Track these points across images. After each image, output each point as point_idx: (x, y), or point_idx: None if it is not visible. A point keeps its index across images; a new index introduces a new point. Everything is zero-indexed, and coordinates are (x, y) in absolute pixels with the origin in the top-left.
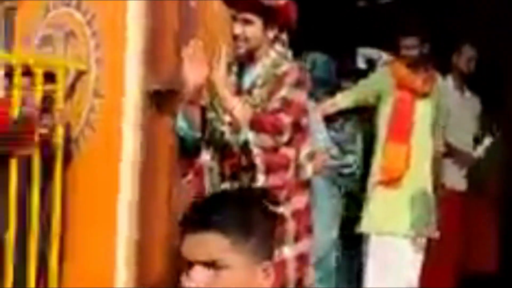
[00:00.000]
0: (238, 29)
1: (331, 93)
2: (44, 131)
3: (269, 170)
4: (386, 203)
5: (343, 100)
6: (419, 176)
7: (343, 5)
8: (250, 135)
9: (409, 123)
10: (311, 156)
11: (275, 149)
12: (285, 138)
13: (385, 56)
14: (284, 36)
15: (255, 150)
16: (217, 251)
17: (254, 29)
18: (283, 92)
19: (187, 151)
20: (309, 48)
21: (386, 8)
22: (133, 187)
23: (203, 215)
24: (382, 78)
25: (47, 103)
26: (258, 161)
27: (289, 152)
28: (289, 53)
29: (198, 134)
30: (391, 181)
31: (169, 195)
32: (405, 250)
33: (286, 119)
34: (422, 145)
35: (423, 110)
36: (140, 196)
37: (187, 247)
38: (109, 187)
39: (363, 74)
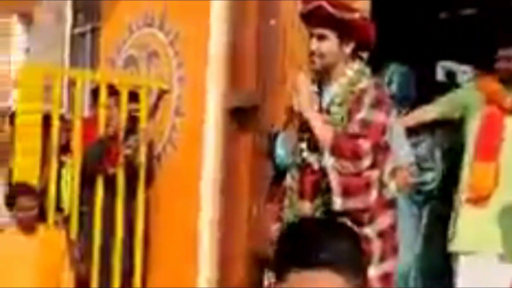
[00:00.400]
0: (313, 44)
1: (411, 106)
2: (128, 151)
3: (347, 193)
4: (475, 222)
5: (429, 112)
6: (509, 193)
7: (425, 17)
8: (331, 160)
9: (497, 140)
10: (394, 173)
11: (357, 173)
12: (366, 163)
13: (468, 70)
14: (362, 53)
15: (332, 174)
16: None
17: (329, 44)
18: (362, 113)
19: (279, 176)
20: (389, 60)
21: (468, 20)
22: (214, 204)
23: (309, 252)
24: (471, 92)
25: (131, 122)
26: (334, 184)
27: (373, 174)
28: (367, 70)
29: (291, 160)
30: (480, 199)
31: (249, 213)
32: (496, 269)
33: (365, 144)
34: (511, 163)
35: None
36: (221, 214)
37: (293, 284)
38: (190, 204)
39: (443, 87)
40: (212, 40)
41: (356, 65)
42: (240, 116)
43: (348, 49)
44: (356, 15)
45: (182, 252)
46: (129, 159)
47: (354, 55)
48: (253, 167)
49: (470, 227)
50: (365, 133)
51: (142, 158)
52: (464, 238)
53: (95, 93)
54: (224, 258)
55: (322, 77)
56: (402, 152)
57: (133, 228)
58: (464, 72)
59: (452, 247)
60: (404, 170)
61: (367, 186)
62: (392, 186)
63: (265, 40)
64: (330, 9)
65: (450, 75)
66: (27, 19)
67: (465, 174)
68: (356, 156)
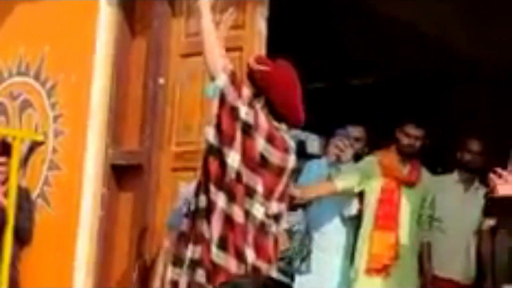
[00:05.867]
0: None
1: None
2: None
3: None
4: None
5: (331, 185)
6: (407, 264)
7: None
8: None
9: (395, 210)
10: None
11: None
12: None
13: (316, 138)
14: (275, 112)
15: None
16: None
17: (249, 94)
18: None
19: None
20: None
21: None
22: (88, 263)
23: None
24: (369, 165)
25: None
26: None
27: None
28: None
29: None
30: (381, 269)
31: (128, 276)
32: None
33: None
34: (409, 234)
35: (408, 199)
36: (97, 275)
37: None
38: (64, 261)
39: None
40: (93, 95)
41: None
42: (122, 174)
43: (258, 104)
44: (264, 68)
45: None
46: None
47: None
48: (133, 223)
49: None
50: None
51: (10, 209)
52: None
53: None
54: None
55: None
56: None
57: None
58: (312, 140)
59: None
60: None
61: None
62: None
63: (153, 99)
64: (250, 58)
65: (300, 144)
66: None
67: (363, 244)
68: None
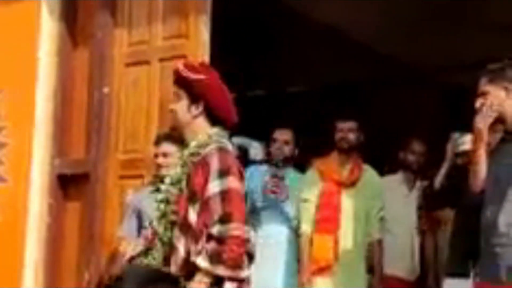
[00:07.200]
0: (171, 104)
1: None
2: None
3: None
4: None
5: (304, 226)
6: (351, 264)
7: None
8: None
9: (335, 213)
10: None
11: None
12: None
13: (258, 145)
14: (213, 116)
15: None
16: None
17: (181, 103)
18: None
19: None
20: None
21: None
22: (36, 278)
23: None
24: (309, 176)
25: None
26: None
27: None
28: (216, 137)
29: None
30: (321, 271)
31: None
32: None
33: None
34: (351, 234)
35: (349, 199)
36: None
37: None
38: (11, 273)
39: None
40: (38, 105)
41: (209, 130)
42: (68, 184)
43: (196, 110)
44: (201, 76)
45: None
46: None
47: (197, 116)
48: (81, 231)
49: None
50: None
51: None
52: None
53: None
54: None
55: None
56: None
57: None
58: (255, 148)
59: None
60: None
61: None
62: None
63: (98, 108)
64: (180, 67)
65: (242, 150)
66: None
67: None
68: None
